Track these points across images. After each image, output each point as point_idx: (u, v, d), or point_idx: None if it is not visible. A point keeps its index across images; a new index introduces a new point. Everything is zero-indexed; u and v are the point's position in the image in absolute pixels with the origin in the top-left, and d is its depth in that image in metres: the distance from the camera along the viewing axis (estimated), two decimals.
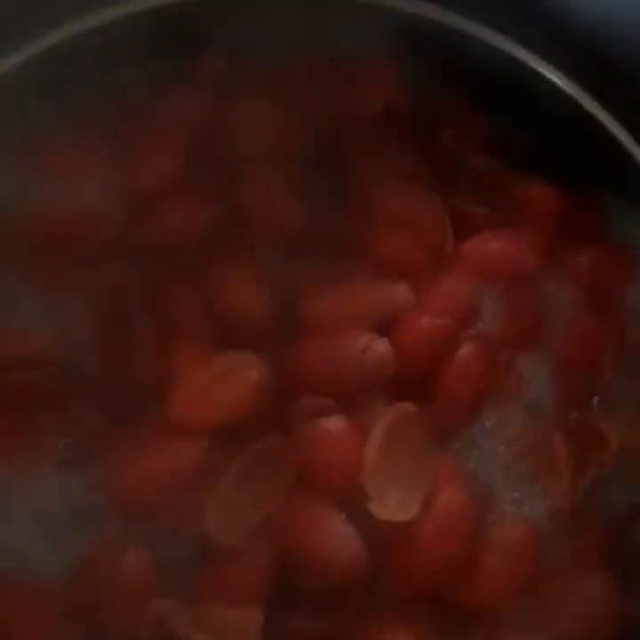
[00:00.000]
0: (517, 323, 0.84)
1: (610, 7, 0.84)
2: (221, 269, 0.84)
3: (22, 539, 0.74)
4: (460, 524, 0.74)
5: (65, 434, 0.78)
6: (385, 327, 0.81)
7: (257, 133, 0.88)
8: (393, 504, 0.74)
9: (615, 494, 0.80)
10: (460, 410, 0.79)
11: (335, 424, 0.75)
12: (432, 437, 0.78)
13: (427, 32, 0.88)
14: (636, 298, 0.86)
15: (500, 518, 0.77)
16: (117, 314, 0.82)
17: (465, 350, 0.79)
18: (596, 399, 0.83)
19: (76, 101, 0.85)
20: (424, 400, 0.79)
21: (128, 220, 0.83)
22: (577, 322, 0.85)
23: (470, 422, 0.80)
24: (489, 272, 0.85)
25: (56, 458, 0.77)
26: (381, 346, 0.78)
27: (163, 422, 0.77)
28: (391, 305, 0.81)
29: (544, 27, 0.85)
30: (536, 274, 0.86)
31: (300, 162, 0.86)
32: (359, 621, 0.74)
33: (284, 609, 0.73)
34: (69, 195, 0.84)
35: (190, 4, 0.87)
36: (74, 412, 0.78)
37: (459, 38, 0.88)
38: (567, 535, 0.78)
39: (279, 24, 0.86)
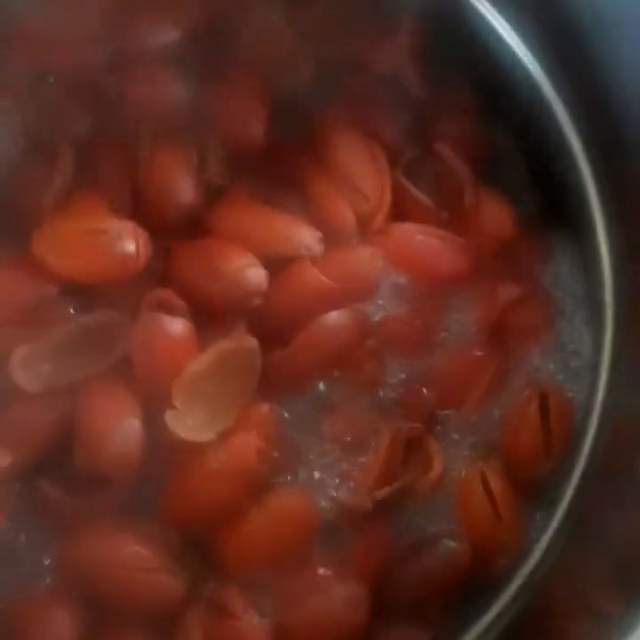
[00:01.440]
0: (406, 322, 0.81)
1: None
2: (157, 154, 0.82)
3: None
4: (243, 471, 0.73)
5: None
6: (277, 265, 0.78)
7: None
8: (191, 423, 0.73)
9: (409, 519, 0.77)
10: (302, 370, 0.77)
11: (174, 324, 0.74)
12: (265, 384, 0.76)
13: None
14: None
15: (289, 486, 0.75)
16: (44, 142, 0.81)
17: (335, 317, 0.76)
18: (439, 428, 0.79)
19: None
20: (275, 347, 0.76)
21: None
22: (464, 348, 0.81)
23: (307, 387, 0.77)
24: (406, 261, 0.82)
25: None
26: (256, 274, 0.76)
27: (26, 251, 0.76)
28: (293, 246, 0.79)
29: None
30: (451, 285, 0.82)
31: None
32: (111, 514, 0.72)
33: (43, 475, 0.72)
34: None
35: None
36: None
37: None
38: (343, 535, 0.75)
39: None
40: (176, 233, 0.81)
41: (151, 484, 0.73)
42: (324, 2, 0.88)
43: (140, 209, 0.81)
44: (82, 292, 0.77)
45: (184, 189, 0.81)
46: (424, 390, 0.80)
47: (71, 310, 0.77)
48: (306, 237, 0.79)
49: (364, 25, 0.88)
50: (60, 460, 0.73)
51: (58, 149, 0.81)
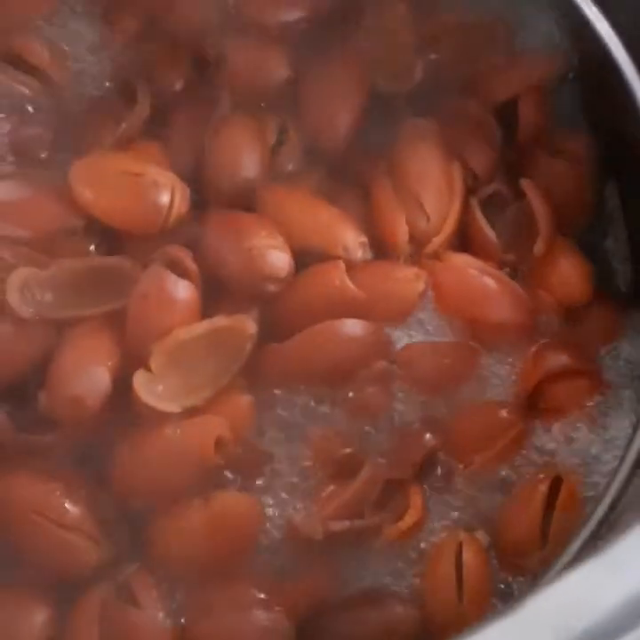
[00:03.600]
0: (432, 358, 0.73)
1: None
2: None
3: None
4: (197, 454, 0.67)
5: None
6: (311, 260, 0.73)
7: None
8: (160, 390, 0.68)
9: (365, 565, 0.68)
10: (298, 369, 0.71)
11: (178, 285, 0.69)
12: (254, 376, 0.70)
13: None
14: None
15: (242, 490, 0.68)
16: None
17: (349, 324, 0.70)
18: (431, 479, 0.70)
19: None
20: (275, 339, 0.70)
21: None
22: (489, 404, 0.73)
23: (298, 390, 0.71)
24: (452, 294, 0.74)
25: None
26: (278, 256, 0.70)
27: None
28: (331, 243, 0.73)
29: None
30: (494, 334, 0.74)
31: None
32: (52, 462, 0.69)
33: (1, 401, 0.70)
34: None
35: None
36: None
37: None
38: (287, 560, 0.67)
39: None
40: (226, 207, 0.76)
41: (104, 445, 0.68)
42: (455, 17, 0.83)
43: (200, 174, 0.77)
44: (105, 234, 0.74)
45: (246, 164, 0.78)
46: (427, 435, 0.71)
47: (91, 248, 0.74)
48: (348, 238, 0.73)
49: (489, 49, 0.83)
50: (23, 394, 0.70)
51: (137, 96, 0.79)
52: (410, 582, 0.68)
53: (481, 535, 0.69)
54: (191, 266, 0.71)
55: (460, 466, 0.71)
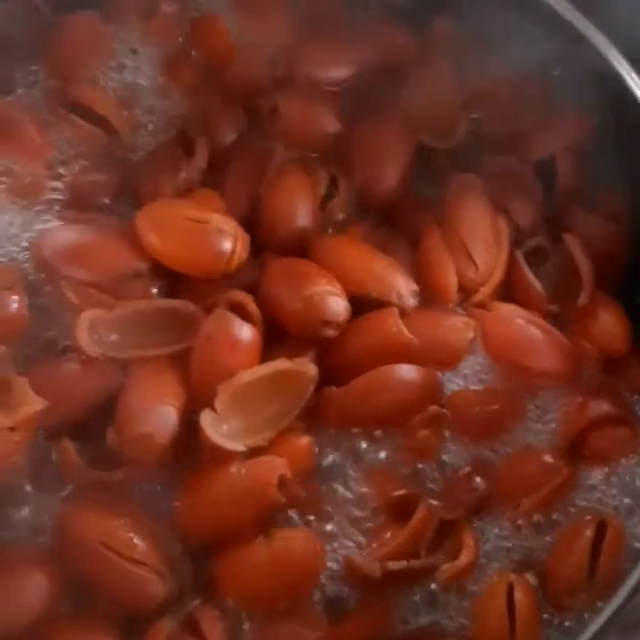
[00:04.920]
0: (481, 404, 0.76)
1: None
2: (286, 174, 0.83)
3: None
4: (261, 493, 0.69)
5: None
6: (364, 307, 0.76)
7: None
8: (225, 429, 0.70)
9: (420, 604, 0.71)
10: (355, 413, 0.74)
11: (243, 329, 0.72)
12: (312, 418, 0.73)
13: None
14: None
15: (303, 528, 0.71)
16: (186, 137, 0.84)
17: (404, 370, 0.73)
18: (481, 522, 0.73)
19: None
20: (330, 382, 0.74)
21: None
22: (535, 450, 0.75)
23: (354, 433, 0.73)
24: (499, 343, 0.78)
25: None
26: (337, 302, 0.73)
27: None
28: (385, 290, 0.77)
29: None
30: (540, 381, 0.77)
31: None
32: (121, 496, 0.71)
33: (70, 437, 0.72)
34: None
35: None
36: None
37: None
38: (344, 597, 0.70)
39: None
40: (280, 253, 0.79)
41: (171, 481, 0.71)
42: (495, 78, 0.87)
43: (254, 221, 0.81)
44: (169, 277, 0.78)
45: (301, 214, 0.81)
46: (477, 478, 0.73)
47: (154, 290, 0.77)
48: (401, 286, 0.76)
49: (528, 108, 0.86)
50: (92, 430, 0.73)
51: (195, 146, 0.82)
52: (462, 622, 0.70)
53: (529, 576, 0.71)
54: (254, 310, 0.74)
55: (508, 509, 0.73)
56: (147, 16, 0.90)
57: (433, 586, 0.71)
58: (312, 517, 0.72)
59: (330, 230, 0.83)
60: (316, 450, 0.73)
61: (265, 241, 0.80)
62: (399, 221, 0.84)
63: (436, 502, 0.73)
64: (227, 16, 0.90)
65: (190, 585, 0.70)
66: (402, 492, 0.72)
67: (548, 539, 0.74)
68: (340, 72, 0.87)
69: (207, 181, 0.84)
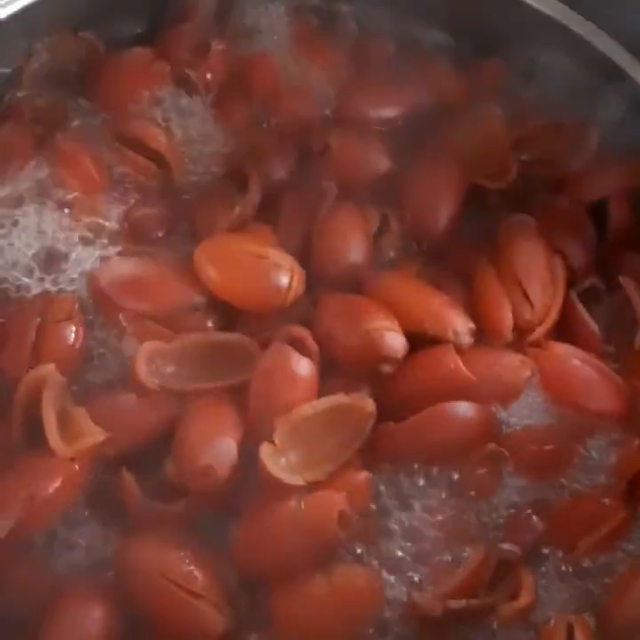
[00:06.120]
0: (538, 442, 0.76)
1: None
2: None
3: None
4: (321, 528, 0.69)
5: None
6: (421, 344, 0.76)
7: None
8: (283, 463, 0.70)
9: None
10: (413, 449, 0.74)
11: (301, 363, 0.73)
12: (370, 453, 0.73)
13: None
14: None
15: (360, 564, 0.70)
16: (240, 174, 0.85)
17: (463, 407, 0.73)
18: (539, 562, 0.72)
19: None
20: (387, 417, 0.73)
21: None
22: (592, 490, 0.75)
23: (412, 469, 0.73)
24: (555, 382, 0.78)
25: None
26: (394, 338, 0.73)
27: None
28: (442, 328, 0.77)
29: None
30: (596, 422, 0.77)
31: None
32: (180, 529, 0.71)
33: (129, 469, 0.72)
34: None
35: None
36: None
37: None
38: (402, 634, 0.69)
39: None
40: (333, 289, 0.80)
41: (229, 514, 0.70)
42: (546, 119, 0.88)
43: (307, 257, 0.81)
44: (224, 311, 0.78)
45: (354, 251, 0.82)
46: (535, 518, 0.73)
47: (210, 323, 0.77)
48: (458, 323, 0.77)
49: (579, 150, 0.87)
50: (151, 462, 0.72)
51: (249, 183, 0.83)
52: None
53: (588, 618, 0.71)
54: (312, 345, 0.74)
55: (565, 551, 0.73)
56: (199, 53, 0.91)
57: (494, 626, 0.70)
58: (369, 554, 0.71)
59: (381, 268, 0.83)
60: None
61: (317, 277, 0.80)
62: (450, 260, 0.84)
63: (494, 542, 0.72)
64: (278, 55, 0.92)
65: (248, 619, 0.68)
66: (463, 530, 0.71)
67: (605, 581, 0.72)
68: (390, 112, 0.88)
69: (259, 218, 0.84)
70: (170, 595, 0.67)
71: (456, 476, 0.74)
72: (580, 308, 0.80)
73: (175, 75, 0.91)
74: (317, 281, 0.81)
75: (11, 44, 0.87)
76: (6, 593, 0.68)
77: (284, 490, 0.69)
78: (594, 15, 0.86)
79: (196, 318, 0.78)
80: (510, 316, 0.79)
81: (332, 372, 0.75)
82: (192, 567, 0.68)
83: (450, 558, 0.72)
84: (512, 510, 0.74)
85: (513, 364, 0.76)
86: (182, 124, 0.89)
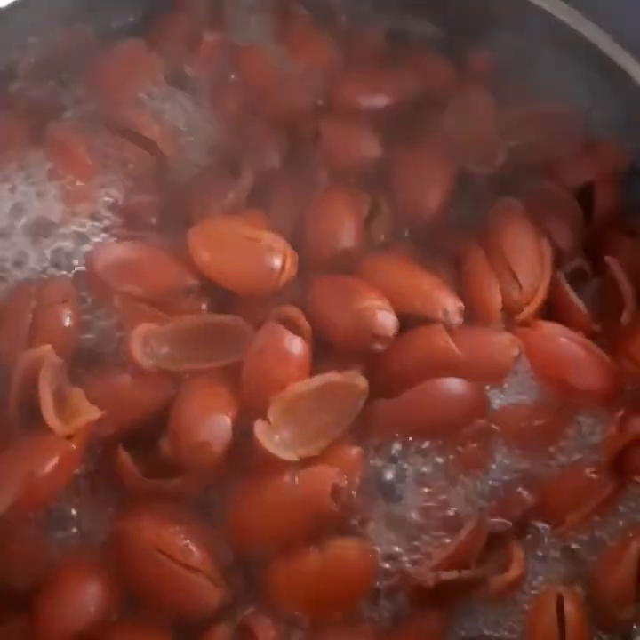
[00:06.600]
0: (526, 419, 0.77)
1: None
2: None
3: None
4: (314, 501, 0.70)
5: None
6: (411, 323, 0.77)
7: None
8: (277, 439, 0.71)
9: (469, 615, 0.71)
10: (404, 425, 0.75)
11: (294, 342, 0.74)
12: (362, 429, 0.74)
13: None
14: None
15: (355, 536, 0.71)
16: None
17: (452, 383, 0.74)
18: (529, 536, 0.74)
19: None
20: (378, 394, 0.75)
21: None
22: (579, 465, 0.77)
23: (404, 444, 0.75)
24: (543, 360, 0.79)
25: None
26: (386, 317, 0.75)
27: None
28: (432, 308, 0.78)
29: None
30: (583, 398, 0.78)
31: None
32: (176, 505, 0.72)
33: (126, 447, 0.73)
34: None
35: None
36: None
37: None
38: (394, 605, 0.70)
39: None
40: (325, 272, 0.81)
41: (224, 490, 0.72)
42: (534, 106, 0.89)
43: (299, 241, 0.82)
44: (217, 294, 0.79)
45: (346, 234, 0.83)
46: (524, 492, 0.74)
47: (203, 306, 0.79)
48: (447, 303, 0.78)
49: (566, 136, 0.89)
50: (147, 440, 0.74)
51: (240, 169, 0.84)
52: (511, 634, 0.71)
53: (578, 589, 0.72)
54: (304, 324, 0.75)
55: (553, 525, 0.74)
56: (191, 44, 0.92)
57: (482, 598, 0.71)
58: (363, 527, 0.72)
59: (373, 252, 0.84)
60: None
61: (309, 261, 0.82)
62: (440, 243, 0.85)
63: (484, 515, 0.73)
64: (268, 45, 0.93)
65: (243, 593, 0.70)
66: (451, 511, 0.73)
67: (593, 553, 0.74)
68: (380, 100, 0.90)
69: (252, 204, 0.85)
70: (166, 569, 0.68)
71: (447, 451, 0.75)
72: (568, 288, 0.82)
73: (167, 65, 0.92)
74: (310, 264, 0.82)
75: (5, 36, 0.88)
76: (5, 567, 0.69)
77: (278, 465, 0.70)
78: (579, 3, 0.88)
79: (189, 301, 0.79)
80: (499, 296, 0.80)
81: (324, 351, 0.76)
82: (188, 542, 0.69)
83: (442, 531, 0.72)
84: (502, 484, 0.75)
85: (502, 343, 0.78)
86: (175, 114, 0.90)
